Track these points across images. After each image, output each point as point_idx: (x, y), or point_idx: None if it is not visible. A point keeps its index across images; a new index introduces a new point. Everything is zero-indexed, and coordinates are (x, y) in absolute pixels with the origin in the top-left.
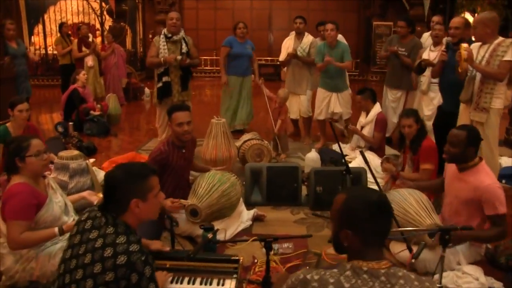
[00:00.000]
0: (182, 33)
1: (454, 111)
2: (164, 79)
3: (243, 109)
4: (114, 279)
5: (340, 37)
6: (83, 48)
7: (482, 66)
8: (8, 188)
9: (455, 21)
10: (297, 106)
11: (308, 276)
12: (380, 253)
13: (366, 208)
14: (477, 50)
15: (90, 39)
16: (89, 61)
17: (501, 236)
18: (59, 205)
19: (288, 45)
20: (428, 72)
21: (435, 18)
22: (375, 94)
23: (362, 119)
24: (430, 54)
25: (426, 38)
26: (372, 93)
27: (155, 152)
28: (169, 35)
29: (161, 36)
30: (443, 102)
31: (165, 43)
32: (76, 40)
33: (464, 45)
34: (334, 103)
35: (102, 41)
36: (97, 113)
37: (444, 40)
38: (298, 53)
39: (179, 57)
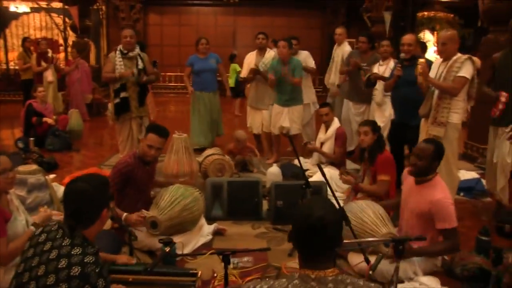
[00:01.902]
0: (137, 50)
1: (406, 122)
2: (122, 94)
3: (215, 126)
4: None
5: (306, 53)
6: (42, 63)
7: (436, 81)
8: None
9: (407, 38)
10: (259, 121)
11: (258, 287)
12: (329, 262)
13: (300, 223)
14: (437, 67)
15: (50, 54)
16: (49, 76)
17: (453, 249)
18: (22, 223)
19: (250, 61)
20: (380, 85)
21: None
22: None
23: (321, 135)
24: (380, 68)
25: (334, 50)
26: (332, 107)
27: (121, 163)
28: (125, 51)
29: (117, 52)
30: (395, 115)
31: (121, 59)
32: (35, 55)
33: (421, 60)
34: (283, 117)
35: (66, 56)
36: (50, 121)
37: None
38: (260, 68)
39: (135, 71)
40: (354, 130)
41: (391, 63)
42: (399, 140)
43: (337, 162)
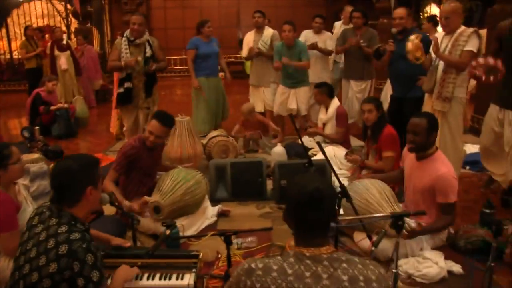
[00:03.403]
0: (146, 36)
1: (403, 96)
2: (126, 85)
3: (220, 110)
4: (57, 270)
5: (329, 35)
6: (56, 51)
7: (445, 55)
8: None
9: (398, 12)
10: (261, 99)
11: (253, 265)
12: (323, 240)
13: (297, 196)
14: (441, 40)
15: (64, 41)
16: (63, 64)
17: (448, 224)
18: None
19: (249, 40)
20: None
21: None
22: (332, 89)
23: (323, 116)
24: None
25: (339, 27)
26: (329, 89)
27: (126, 146)
28: (132, 38)
29: (123, 38)
30: (393, 90)
31: (127, 46)
32: (49, 44)
33: (412, 36)
34: (291, 99)
35: None
36: (61, 105)
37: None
38: (260, 46)
39: (139, 59)
40: (354, 107)
41: None
42: (397, 114)
43: (340, 141)
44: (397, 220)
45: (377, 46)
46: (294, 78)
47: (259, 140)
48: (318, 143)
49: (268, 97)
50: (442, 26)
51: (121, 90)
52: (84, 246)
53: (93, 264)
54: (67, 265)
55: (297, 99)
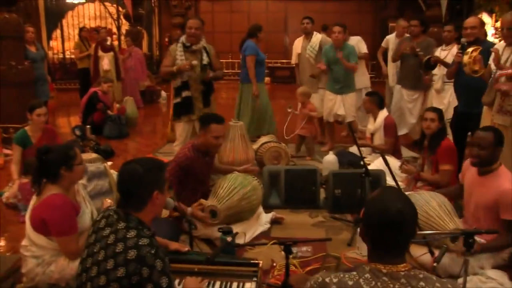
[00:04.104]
0: (203, 42)
1: (470, 111)
2: (184, 94)
3: (266, 118)
4: (125, 275)
5: (358, 39)
6: (100, 52)
7: (507, 68)
8: (48, 199)
9: (471, 21)
10: None
11: (327, 279)
12: (400, 257)
13: (377, 216)
14: (501, 51)
15: (108, 42)
16: (105, 65)
17: None
18: (88, 216)
19: (297, 46)
20: (440, 71)
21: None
22: (383, 100)
23: (371, 126)
24: (442, 53)
25: (393, 41)
26: (379, 99)
27: (180, 157)
28: (188, 44)
29: (178, 44)
30: (459, 103)
31: (182, 53)
32: (93, 45)
33: (469, 49)
34: (338, 105)
35: (119, 45)
36: (113, 113)
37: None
38: (308, 51)
39: (195, 62)
40: (406, 118)
41: (454, 48)
42: (462, 129)
43: (389, 152)
44: (468, 238)
45: (428, 57)
46: (340, 82)
47: (312, 145)
48: (382, 155)
49: (315, 103)
50: (503, 37)
51: (178, 100)
52: (152, 252)
53: (162, 270)
54: (135, 270)
55: (344, 106)
